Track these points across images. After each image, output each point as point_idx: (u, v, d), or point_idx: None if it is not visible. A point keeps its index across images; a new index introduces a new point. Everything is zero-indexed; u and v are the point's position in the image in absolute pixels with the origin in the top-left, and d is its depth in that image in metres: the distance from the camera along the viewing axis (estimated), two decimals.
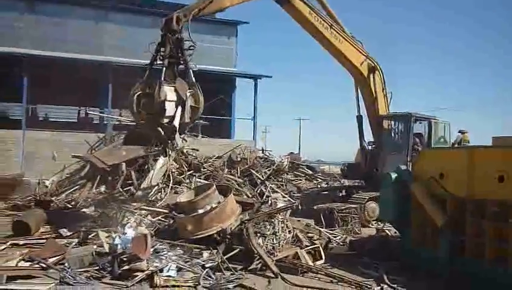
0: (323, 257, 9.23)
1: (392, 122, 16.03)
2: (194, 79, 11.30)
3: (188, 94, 11.08)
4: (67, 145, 20.46)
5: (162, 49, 11.25)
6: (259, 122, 27.95)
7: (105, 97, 24.92)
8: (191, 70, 11.24)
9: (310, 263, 8.73)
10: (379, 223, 13.61)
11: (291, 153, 24.77)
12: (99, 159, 13.55)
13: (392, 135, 16.12)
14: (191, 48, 11.34)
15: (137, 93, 10.99)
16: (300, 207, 14.44)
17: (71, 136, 22.62)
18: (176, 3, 29.07)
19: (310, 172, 21.09)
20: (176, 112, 10.93)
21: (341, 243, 11.01)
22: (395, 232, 10.77)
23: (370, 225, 13.86)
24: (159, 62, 11.25)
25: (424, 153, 10.48)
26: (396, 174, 9.39)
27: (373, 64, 15.20)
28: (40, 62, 23.19)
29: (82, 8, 26.43)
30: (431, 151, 11.62)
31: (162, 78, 10.77)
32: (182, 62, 11.31)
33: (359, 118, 16.16)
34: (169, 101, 10.76)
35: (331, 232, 11.74)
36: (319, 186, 18.66)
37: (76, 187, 13.81)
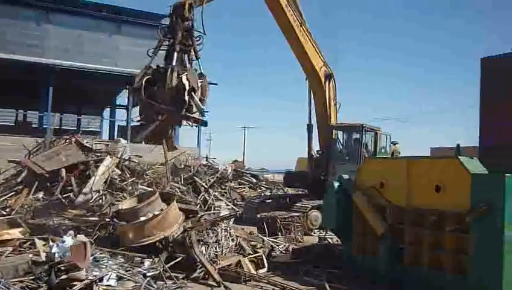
0: (266, 265, 9.25)
1: (343, 132, 16.40)
2: (202, 70, 10.66)
3: (199, 84, 10.38)
4: (4, 150, 19.67)
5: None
6: (203, 129, 27.83)
7: (46, 100, 24.25)
8: (199, 61, 10.56)
9: (253, 271, 8.74)
10: (321, 231, 13.79)
11: (236, 161, 24.81)
12: (37, 165, 13.11)
13: (343, 144, 16.48)
14: (200, 36, 10.55)
15: (146, 78, 10.08)
16: (243, 215, 14.49)
17: (8, 140, 21.81)
18: (120, 6, 28.92)
19: (254, 180, 21.17)
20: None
21: (284, 251, 11.07)
22: (337, 240, 10.93)
23: (312, 233, 14.00)
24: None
25: (366, 163, 10.70)
26: (339, 183, 9.55)
27: (329, 72, 15.46)
28: None
29: (23, 8, 25.61)
30: (372, 161, 11.86)
31: (174, 64, 10.06)
32: (190, 50, 10.52)
33: (309, 127, 16.33)
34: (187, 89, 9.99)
35: (274, 240, 11.79)
36: (262, 194, 18.73)
37: (12, 193, 13.29)
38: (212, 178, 17.05)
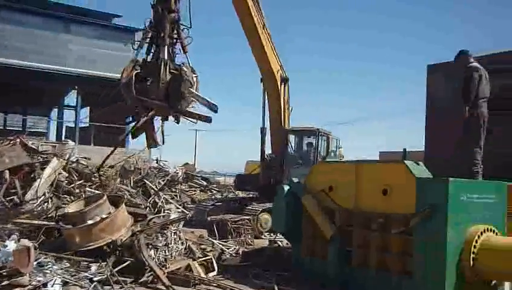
0: (216, 268, 9.21)
1: (296, 136, 16.65)
2: (191, 65, 10.02)
3: (194, 79, 9.89)
4: None
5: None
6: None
7: None
8: (188, 55, 10.00)
9: (203, 275, 8.68)
10: (272, 234, 13.87)
11: (186, 163, 24.70)
12: None
13: (295, 148, 16.74)
14: (186, 29, 9.96)
15: (136, 72, 9.42)
16: (193, 218, 14.45)
17: None
18: (70, 4, 28.30)
19: (205, 183, 21.14)
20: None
21: (234, 255, 11.05)
22: (287, 243, 11.01)
23: (263, 236, 14.07)
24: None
25: (315, 166, 10.82)
26: (288, 187, 9.62)
27: (285, 76, 15.61)
28: None
29: None
30: (321, 164, 12.04)
31: (166, 57, 9.53)
32: (176, 44, 9.96)
33: (263, 130, 16.41)
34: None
35: (224, 243, 11.77)
36: (213, 197, 18.72)
37: None
38: (163, 181, 16.93)
